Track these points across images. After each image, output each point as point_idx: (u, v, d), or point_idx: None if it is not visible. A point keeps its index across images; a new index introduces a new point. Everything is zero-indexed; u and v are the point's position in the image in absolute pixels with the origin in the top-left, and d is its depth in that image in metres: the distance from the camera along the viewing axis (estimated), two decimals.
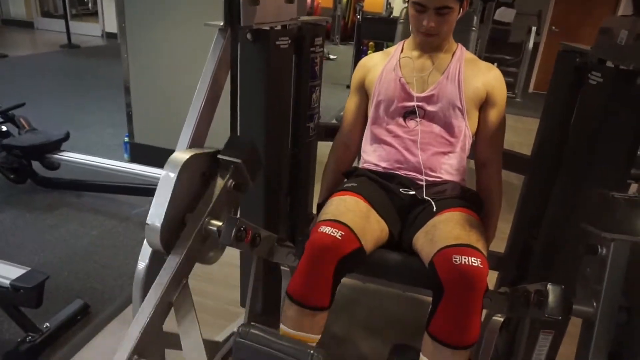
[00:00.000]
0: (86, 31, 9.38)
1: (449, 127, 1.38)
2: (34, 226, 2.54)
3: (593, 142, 1.27)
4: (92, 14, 10.35)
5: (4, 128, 2.94)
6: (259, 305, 1.67)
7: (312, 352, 1.01)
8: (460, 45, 1.46)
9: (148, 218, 1.13)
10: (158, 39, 2.97)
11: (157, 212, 1.12)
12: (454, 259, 1.03)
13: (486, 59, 1.56)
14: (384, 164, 1.40)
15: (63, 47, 8.10)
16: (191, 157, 1.14)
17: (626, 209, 0.95)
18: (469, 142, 1.42)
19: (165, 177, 1.12)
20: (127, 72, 3.14)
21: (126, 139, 3.37)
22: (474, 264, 1.02)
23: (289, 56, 1.55)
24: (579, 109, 1.39)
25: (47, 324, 1.75)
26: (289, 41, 1.50)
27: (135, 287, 1.24)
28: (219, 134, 1.32)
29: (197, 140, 1.29)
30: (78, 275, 2.14)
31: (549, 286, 0.99)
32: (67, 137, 2.95)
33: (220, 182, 1.21)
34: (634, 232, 0.94)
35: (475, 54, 1.55)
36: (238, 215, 1.28)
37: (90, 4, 10.66)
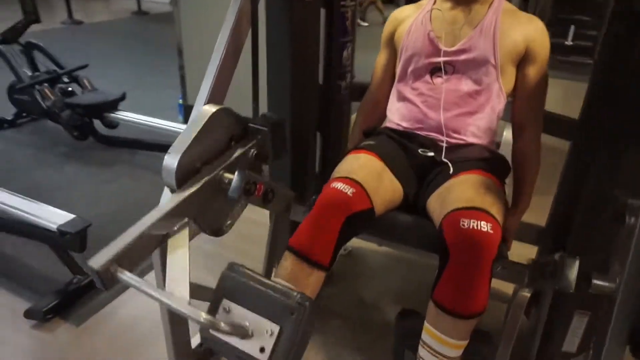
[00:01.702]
0: None
1: (479, 86, 1.28)
2: (91, 180, 2.72)
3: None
4: None
5: (70, 88, 3.13)
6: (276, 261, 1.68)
7: (298, 293, 0.92)
8: None
9: (168, 152, 1.14)
10: (209, 3, 3.00)
11: (177, 147, 1.12)
12: (461, 223, 0.97)
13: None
14: (405, 124, 1.33)
15: (134, 13, 8.44)
16: (224, 109, 1.13)
17: None
18: (501, 102, 1.31)
19: (197, 118, 1.11)
20: (180, 35, 3.20)
21: (180, 101, 3.48)
22: (483, 228, 0.95)
23: (315, 10, 1.50)
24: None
25: None
26: None
27: None
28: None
29: (215, 96, 1.29)
30: (126, 227, 2.24)
31: (563, 257, 0.90)
32: (123, 97, 3.09)
33: (243, 147, 1.21)
34: None
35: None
36: None
37: None
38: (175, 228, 1.17)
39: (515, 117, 1.34)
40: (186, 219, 1.22)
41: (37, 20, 3.03)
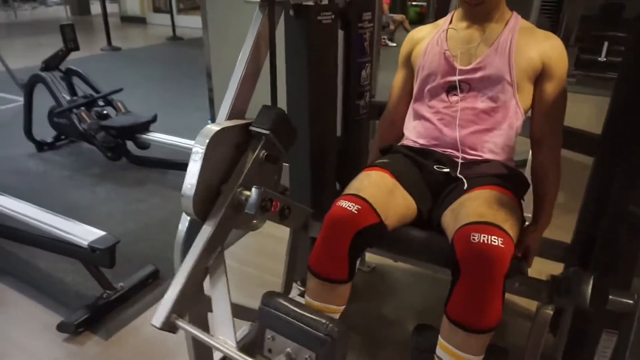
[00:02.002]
0: (190, 24, 10.04)
1: (495, 103, 1.28)
2: (123, 199, 2.82)
3: None
4: (197, 8, 11.09)
5: (105, 111, 3.29)
6: (296, 277, 1.70)
7: (327, 322, 1.03)
8: (515, 13, 1.34)
9: (182, 188, 1.21)
10: (236, 27, 3.10)
11: (189, 182, 1.19)
12: (472, 237, 0.97)
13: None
14: (421, 141, 1.35)
15: (169, 39, 8.79)
16: (221, 129, 1.19)
17: None
18: (519, 118, 1.31)
19: (196, 150, 1.18)
20: (208, 59, 3.31)
21: (209, 122, 3.58)
22: (493, 242, 0.95)
23: (333, 31, 1.54)
24: None
25: (122, 284, 1.95)
26: (332, 16, 1.49)
27: (175, 252, 1.33)
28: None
29: (235, 113, 1.34)
30: (153, 244, 2.34)
31: (578, 273, 0.89)
32: (154, 119, 3.21)
33: (252, 154, 1.25)
34: None
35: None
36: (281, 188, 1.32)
37: None
38: (212, 261, 1.24)
39: (534, 133, 1.33)
40: (220, 248, 1.28)
41: (76, 49, 3.21)
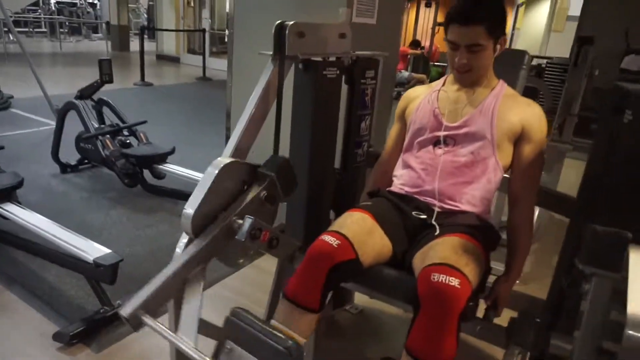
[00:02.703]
0: (220, 66, 10.56)
1: (475, 158, 1.40)
2: (134, 223, 2.97)
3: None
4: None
5: (128, 140, 3.50)
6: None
7: (288, 339, 1.11)
8: (501, 81, 1.48)
9: (185, 206, 1.33)
10: (255, 73, 3.33)
11: (193, 199, 1.31)
12: (432, 276, 1.06)
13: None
14: (405, 188, 1.46)
15: (198, 79, 9.24)
16: (233, 162, 1.33)
17: (610, 242, 0.91)
18: (498, 174, 1.42)
19: (209, 172, 1.31)
20: (229, 100, 3.54)
21: None
22: (450, 283, 1.04)
23: (337, 85, 1.70)
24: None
25: (120, 301, 2.05)
26: (337, 72, 1.66)
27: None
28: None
29: (238, 152, 1.48)
30: (158, 267, 2.39)
31: (523, 318, 0.97)
32: (172, 151, 3.40)
33: (254, 191, 1.38)
34: (615, 268, 0.89)
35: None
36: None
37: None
38: (191, 275, 1.34)
39: (510, 190, 1.44)
40: (202, 266, 1.39)
41: (110, 81, 3.46)
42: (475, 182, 1.41)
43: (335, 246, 1.19)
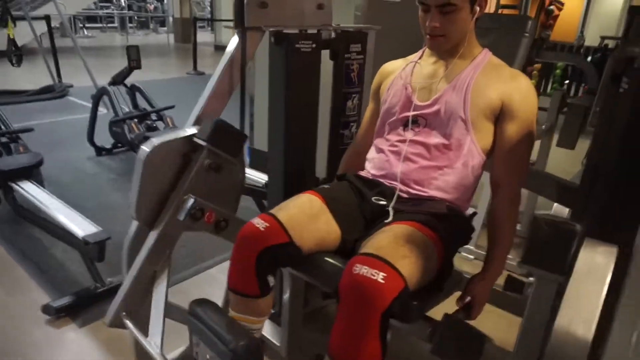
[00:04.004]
0: None
1: (447, 140, 1.23)
2: None
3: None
4: None
5: (155, 125, 3.56)
6: None
7: (233, 339, 1.07)
8: (485, 50, 1.30)
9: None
10: None
11: (132, 191, 1.28)
12: (354, 268, 0.93)
13: None
14: (372, 171, 1.33)
15: (250, 68, 9.34)
16: (161, 143, 1.27)
17: (556, 238, 0.74)
18: (476, 158, 1.24)
19: (137, 160, 1.26)
20: (253, 85, 3.50)
21: (247, 147, 3.75)
22: (372, 276, 0.90)
23: (313, 59, 1.57)
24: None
25: (110, 279, 2.07)
26: (313, 45, 1.53)
27: (123, 256, 1.41)
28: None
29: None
30: None
31: (446, 318, 0.82)
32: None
33: (196, 163, 1.31)
34: (557, 269, 0.72)
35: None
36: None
37: None
38: (160, 264, 1.32)
39: (492, 175, 1.26)
40: (167, 252, 1.36)
41: (138, 67, 3.54)
42: (448, 166, 1.24)
43: (263, 229, 1.09)
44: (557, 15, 6.23)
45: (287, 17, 1.48)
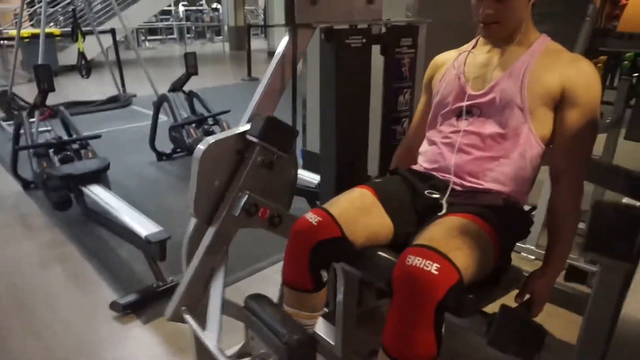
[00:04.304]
0: None
1: (503, 129, 1.18)
2: None
3: None
4: None
5: (212, 129, 3.68)
6: None
7: (287, 332, 1.08)
8: (543, 35, 1.24)
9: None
10: None
11: (190, 189, 1.32)
12: (407, 259, 0.91)
13: None
14: (425, 164, 1.30)
15: (302, 73, 9.45)
16: (215, 142, 1.30)
17: (621, 224, 0.68)
18: (534, 148, 1.18)
19: (193, 158, 1.30)
20: (305, 88, 3.54)
21: (300, 149, 3.79)
22: (425, 267, 0.87)
23: (364, 55, 1.56)
24: None
25: (172, 277, 2.15)
26: (363, 40, 1.52)
27: (183, 252, 1.46)
28: None
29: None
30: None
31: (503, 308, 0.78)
32: None
33: (250, 160, 1.33)
34: (625, 256, 0.67)
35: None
36: None
37: None
38: (217, 260, 1.36)
39: (552, 166, 1.20)
40: (225, 248, 1.40)
41: (195, 73, 3.68)
42: (504, 157, 1.19)
43: (315, 224, 1.09)
44: (625, 4, 5.86)
45: (337, 13, 1.48)
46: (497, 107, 1.19)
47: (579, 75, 1.14)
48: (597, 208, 0.68)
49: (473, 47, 1.33)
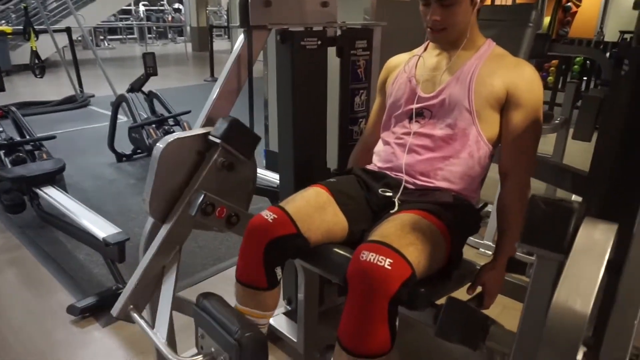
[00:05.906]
0: None
1: (452, 130, 1.24)
2: None
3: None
4: None
5: (172, 130, 3.64)
6: None
7: (239, 329, 1.07)
8: (489, 41, 1.30)
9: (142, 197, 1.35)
10: None
11: (146, 188, 1.32)
12: (361, 255, 0.94)
13: None
14: (379, 164, 1.34)
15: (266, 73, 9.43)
16: (175, 139, 1.30)
17: (554, 217, 0.74)
18: (482, 148, 1.25)
19: (152, 156, 1.30)
20: (266, 89, 3.55)
21: (263, 150, 3.79)
22: (379, 263, 0.91)
23: (319, 57, 1.59)
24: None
25: None
26: (318, 42, 1.56)
27: (140, 250, 1.45)
28: None
29: (209, 123, 1.44)
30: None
31: (449, 300, 0.83)
32: None
33: (210, 160, 1.34)
34: (556, 247, 0.72)
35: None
36: None
37: None
38: (170, 259, 1.35)
39: (500, 164, 1.27)
40: (177, 248, 1.39)
41: (154, 74, 3.63)
42: (454, 157, 1.24)
43: (271, 221, 1.12)
44: (575, 12, 6.13)
45: (291, 16, 1.50)
46: (446, 109, 1.24)
47: (522, 78, 1.21)
48: (532, 202, 0.74)
49: (424, 51, 1.38)
